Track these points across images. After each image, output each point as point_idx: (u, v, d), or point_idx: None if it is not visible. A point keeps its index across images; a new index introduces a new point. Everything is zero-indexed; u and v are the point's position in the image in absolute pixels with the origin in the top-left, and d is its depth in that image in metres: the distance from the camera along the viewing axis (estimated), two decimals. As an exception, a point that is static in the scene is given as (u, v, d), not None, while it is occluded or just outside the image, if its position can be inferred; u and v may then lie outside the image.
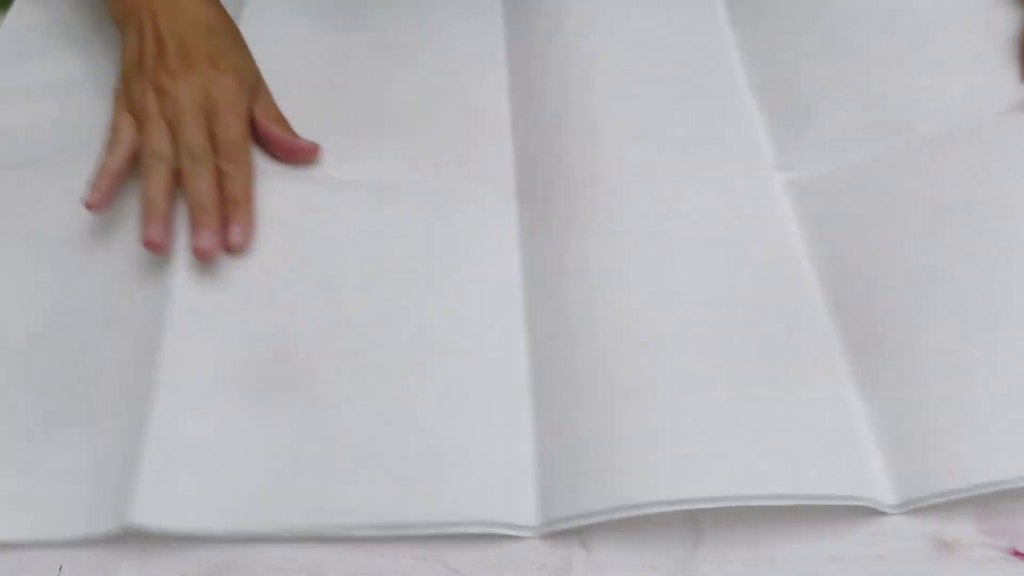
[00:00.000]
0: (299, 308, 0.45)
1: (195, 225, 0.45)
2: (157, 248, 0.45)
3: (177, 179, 0.47)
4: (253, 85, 0.51)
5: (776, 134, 0.53)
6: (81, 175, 0.49)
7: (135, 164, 0.48)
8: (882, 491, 0.39)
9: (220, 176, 0.47)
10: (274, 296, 0.46)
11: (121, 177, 0.48)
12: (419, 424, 0.42)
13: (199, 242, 0.44)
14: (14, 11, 0.63)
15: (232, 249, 0.45)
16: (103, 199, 0.47)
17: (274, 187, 0.49)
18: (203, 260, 0.45)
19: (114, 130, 0.48)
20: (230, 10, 0.57)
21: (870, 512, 0.39)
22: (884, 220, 0.46)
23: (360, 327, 0.45)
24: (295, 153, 0.50)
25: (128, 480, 0.40)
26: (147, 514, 0.38)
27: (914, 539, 0.38)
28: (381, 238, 0.48)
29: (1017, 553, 0.38)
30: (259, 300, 0.45)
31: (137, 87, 0.49)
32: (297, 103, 0.54)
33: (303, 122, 0.53)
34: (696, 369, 0.41)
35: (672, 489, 0.37)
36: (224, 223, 0.46)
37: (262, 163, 0.50)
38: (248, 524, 0.39)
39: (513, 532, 0.39)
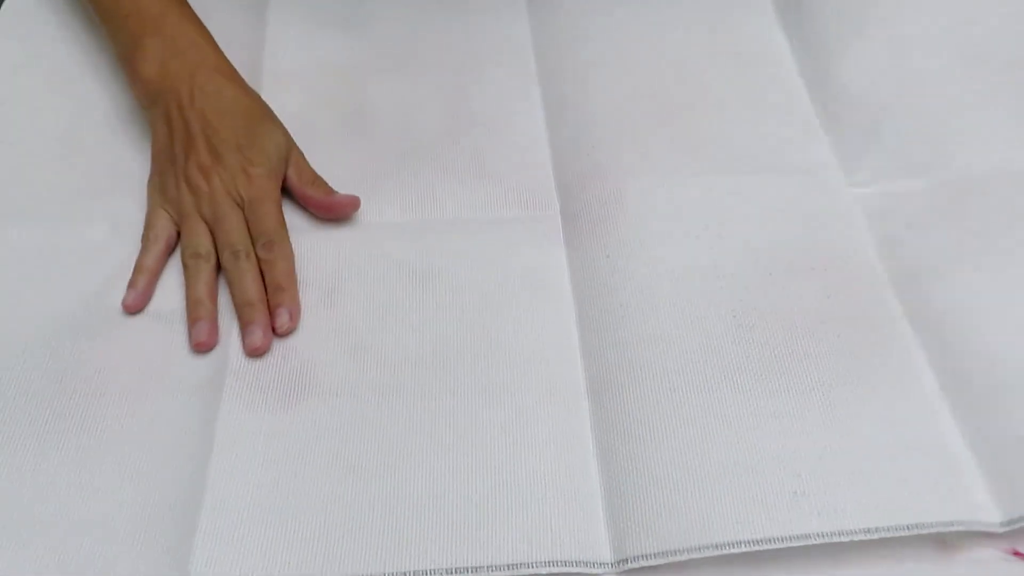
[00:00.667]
0: (357, 352, 0.45)
1: (245, 323, 0.46)
2: (207, 348, 0.45)
3: (219, 270, 0.48)
4: (285, 156, 0.51)
5: (841, 150, 0.53)
6: (83, 160, 0.52)
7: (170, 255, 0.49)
8: (987, 510, 0.39)
9: (261, 264, 0.48)
10: (331, 341, 0.45)
11: (158, 275, 0.48)
12: (484, 462, 0.41)
13: (252, 340, 0.45)
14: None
15: (280, 334, 0.46)
16: (141, 299, 0.47)
17: (319, 240, 0.49)
18: (257, 356, 0.45)
19: (150, 226, 0.49)
20: (253, 29, 0.57)
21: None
22: (962, 241, 0.47)
23: (419, 367, 0.44)
24: (335, 210, 0.51)
25: (184, 533, 0.38)
26: (207, 568, 0.37)
27: (915, 539, 0.38)
28: (431, 278, 0.48)
29: (1017, 553, 0.39)
30: (316, 345, 0.45)
31: (171, 182, 0.49)
32: (326, 136, 0.53)
33: (335, 160, 0.52)
34: (764, 400, 0.41)
35: (760, 527, 0.37)
36: (270, 312, 0.47)
37: (300, 220, 0.51)
38: (314, 570, 0.38)
39: (587, 571, 0.38)
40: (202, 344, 0.45)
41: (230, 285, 0.47)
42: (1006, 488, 0.39)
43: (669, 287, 0.46)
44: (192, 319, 0.46)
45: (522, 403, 0.43)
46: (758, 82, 0.55)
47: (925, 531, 0.38)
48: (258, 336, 0.45)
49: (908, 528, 0.38)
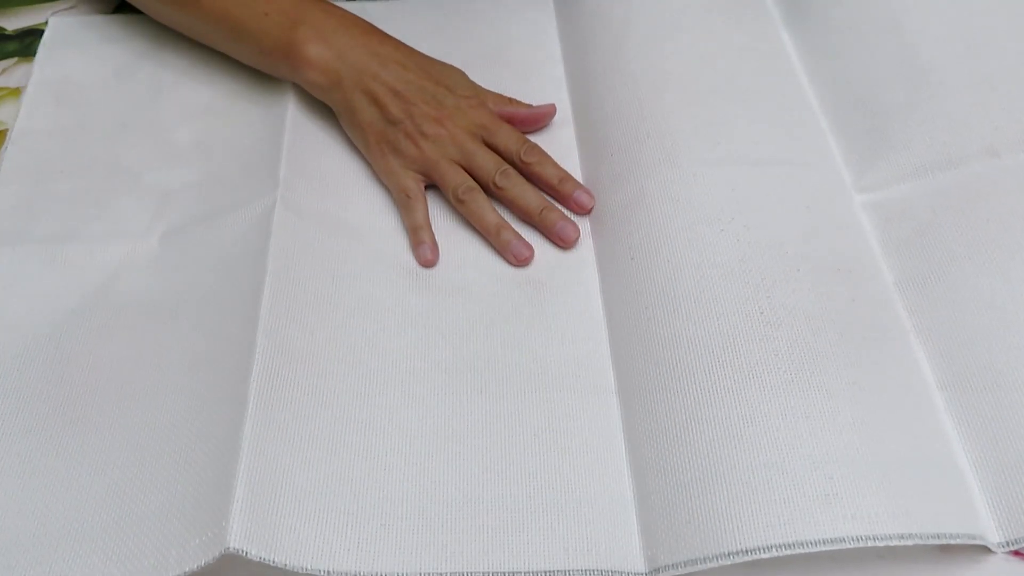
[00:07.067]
0: (385, 356, 0.45)
1: (550, 225, 0.49)
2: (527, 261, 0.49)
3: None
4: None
5: (851, 155, 0.51)
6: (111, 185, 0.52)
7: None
8: (989, 528, 0.39)
9: (529, 170, 0.51)
10: (358, 343, 0.45)
11: (431, 227, 0.50)
12: (517, 468, 0.41)
13: (567, 234, 0.49)
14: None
15: (588, 211, 0.50)
16: (434, 250, 0.49)
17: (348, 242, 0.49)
18: (571, 246, 0.49)
19: (401, 188, 0.51)
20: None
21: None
22: (971, 247, 0.45)
23: (450, 374, 0.44)
24: (542, 119, 0.55)
25: (222, 507, 0.37)
26: (245, 539, 0.36)
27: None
28: (460, 289, 0.48)
29: (1017, 553, 0.39)
30: (340, 348, 0.44)
31: (405, 143, 0.51)
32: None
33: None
34: (794, 400, 0.40)
35: (792, 531, 0.37)
36: (564, 202, 0.51)
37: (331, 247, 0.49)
38: (346, 565, 0.37)
39: (621, 580, 0.38)
40: (524, 260, 0.49)
41: (512, 203, 0.50)
42: (1006, 508, 0.39)
43: (692, 285, 0.44)
44: (504, 240, 0.49)
45: (554, 411, 0.43)
46: (764, 86, 0.54)
47: (954, 541, 0.38)
48: (570, 229, 0.49)
49: (938, 537, 0.37)
